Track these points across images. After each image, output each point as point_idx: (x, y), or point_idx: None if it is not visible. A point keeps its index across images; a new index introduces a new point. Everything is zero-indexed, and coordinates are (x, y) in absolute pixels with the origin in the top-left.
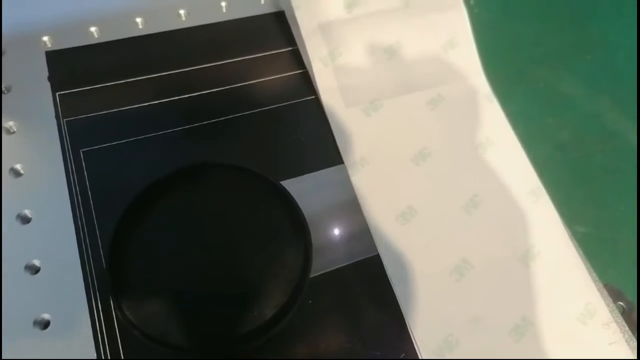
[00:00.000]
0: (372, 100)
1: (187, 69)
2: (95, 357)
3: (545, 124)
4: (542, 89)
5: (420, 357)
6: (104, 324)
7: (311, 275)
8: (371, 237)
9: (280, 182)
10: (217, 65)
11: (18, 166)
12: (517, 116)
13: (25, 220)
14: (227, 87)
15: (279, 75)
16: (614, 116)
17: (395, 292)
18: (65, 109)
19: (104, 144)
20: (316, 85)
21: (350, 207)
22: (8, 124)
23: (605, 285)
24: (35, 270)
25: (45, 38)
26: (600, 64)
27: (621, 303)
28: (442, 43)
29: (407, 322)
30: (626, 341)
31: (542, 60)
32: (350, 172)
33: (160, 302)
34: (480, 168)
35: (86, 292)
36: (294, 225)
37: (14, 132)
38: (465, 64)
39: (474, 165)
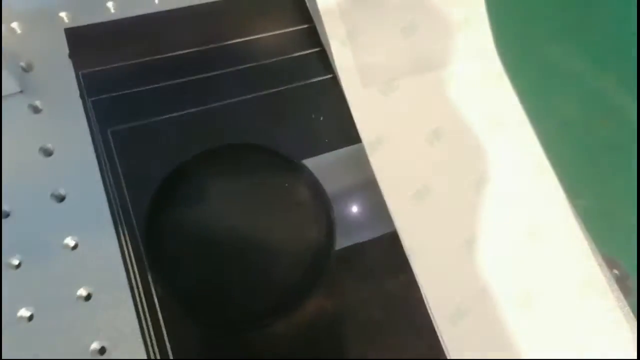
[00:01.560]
0: (389, 80)
1: (206, 47)
2: (136, 321)
3: (552, 100)
4: (550, 66)
5: (434, 322)
6: (144, 299)
7: (334, 250)
8: (389, 214)
9: (302, 161)
10: (235, 43)
11: (49, 145)
12: (526, 93)
13: (60, 198)
14: (246, 66)
15: (298, 53)
16: (618, 93)
17: (411, 264)
18: (89, 88)
19: (132, 123)
20: (334, 65)
21: (369, 185)
22: (34, 102)
23: (603, 256)
24: (73, 247)
25: (62, 14)
26: (608, 40)
27: (616, 271)
28: (457, 21)
29: (422, 292)
30: (620, 308)
31: (551, 37)
32: (368, 151)
33: (193, 278)
34: (490, 146)
35: (124, 264)
36: (317, 202)
37: (40, 110)
38: (478, 42)
39: (485, 145)
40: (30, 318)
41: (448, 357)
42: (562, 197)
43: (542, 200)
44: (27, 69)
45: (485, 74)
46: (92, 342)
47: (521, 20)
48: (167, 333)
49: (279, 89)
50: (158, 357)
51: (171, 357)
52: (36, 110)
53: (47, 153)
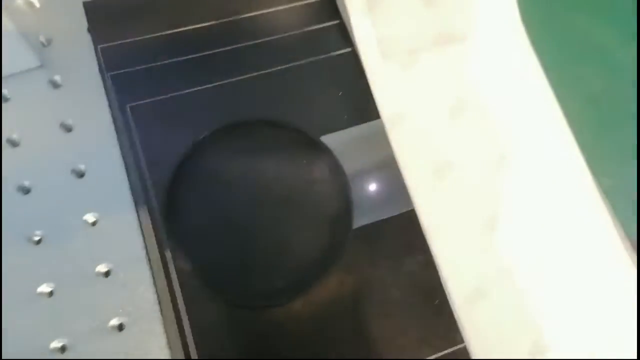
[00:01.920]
0: (410, 52)
1: (223, 20)
2: (155, 298)
3: (579, 74)
4: (577, 37)
5: (451, 303)
6: (163, 274)
7: (353, 228)
8: (407, 191)
9: (320, 138)
10: (253, 16)
11: (69, 121)
12: (551, 66)
13: (80, 174)
14: (264, 39)
15: (316, 26)
16: None
17: (429, 243)
18: (108, 62)
19: (150, 98)
20: (353, 37)
21: (388, 162)
22: (54, 77)
23: (629, 238)
24: (92, 223)
25: None
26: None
27: None
28: None
29: (440, 272)
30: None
31: (578, 7)
32: (387, 127)
33: (213, 251)
34: (514, 120)
35: (144, 239)
36: (335, 180)
37: (60, 85)
38: (503, 13)
39: (509, 119)
40: (51, 294)
41: (465, 339)
42: (587, 175)
43: (567, 178)
44: (46, 44)
45: (509, 47)
46: (111, 318)
47: None
48: (187, 310)
49: (298, 63)
50: (176, 334)
51: (189, 333)
52: (56, 85)
53: (67, 129)
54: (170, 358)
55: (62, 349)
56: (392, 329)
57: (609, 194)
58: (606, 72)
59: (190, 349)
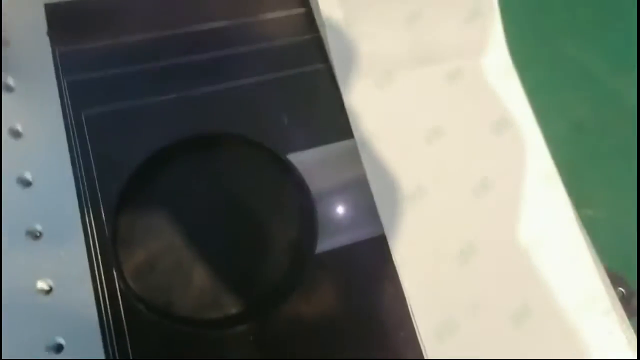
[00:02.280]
0: (387, 71)
1: (191, 29)
2: (97, 319)
3: (564, 99)
4: (563, 62)
5: (419, 337)
6: (107, 295)
7: (316, 252)
8: (378, 215)
9: (287, 155)
10: (223, 25)
11: (18, 126)
12: (535, 91)
13: (26, 183)
14: (234, 51)
15: (290, 39)
16: (635, 95)
17: (398, 272)
18: (66, 67)
19: (107, 107)
20: (329, 52)
21: (359, 183)
22: (7, 80)
23: (608, 271)
24: (36, 235)
25: None
26: (625, 38)
27: (621, 289)
28: (466, 12)
29: (408, 303)
30: (623, 331)
31: (566, 31)
32: (359, 147)
33: (164, 274)
34: (493, 149)
35: (89, 261)
36: (300, 200)
37: (12, 89)
38: (487, 35)
39: (488, 147)
40: None
41: None
42: (568, 206)
43: (547, 209)
44: (3, 45)
45: (492, 69)
46: (53, 339)
47: (534, 12)
48: (129, 333)
49: (268, 76)
50: None
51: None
52: (8, 88)
53: (16, 135)
54: None
55: None
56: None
57: (590, 226)
58: (593, 99)
59: None
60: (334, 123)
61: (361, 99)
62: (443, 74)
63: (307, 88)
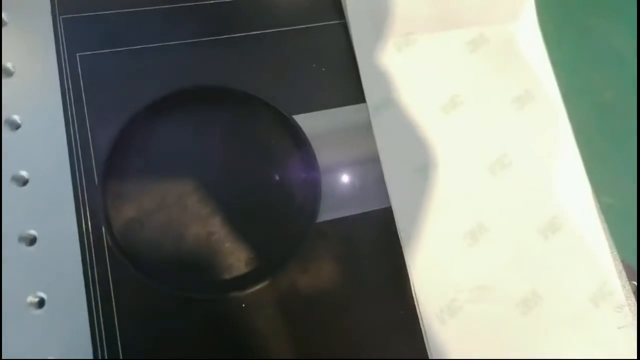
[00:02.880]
0: (406, 33)
1: None
2: (82, 279)
3: (590, 79)
4: (593, 40)
5: (419, 316)
6: (94, 250)
7: (317, 220)
8: (385, 187)
9: (294, 116)
10: None
11: (9, 64)
12: (562, 67)
13: (14, 126)
14: None
15: None
16: None
17: (403, 248)
18: (62, 4)
19: (104, 49)
20: (345, 8)
21: (367, 152)
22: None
23: (623, 263)
24: (23, 182)
25: None
26: None
27: (634, 282)
28: None
29: (411, 281)
30: (633, 325)
31: (596, 8)
32: (371, 113)
33: (154, 232)
34: (514, 125)
35: (76, 213)
36: (304, 165)
37: (5, 23)
38: (518, 2)
39: (508, 121)
40: None
41: (430, 358)
42: (588, 192)
43: (566, 193)
44: None
45: (520, 38)
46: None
47: None
48: (114, 291)
49: (279, 29)
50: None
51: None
52: (2, 23)
53: (8, 73)
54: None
55: None
56: (345, 339)
57: (607, 214)
58: (619, 80)
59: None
60: (346, 85)
61: (377, 61)
62: (466, 40)
63: (320, 45)
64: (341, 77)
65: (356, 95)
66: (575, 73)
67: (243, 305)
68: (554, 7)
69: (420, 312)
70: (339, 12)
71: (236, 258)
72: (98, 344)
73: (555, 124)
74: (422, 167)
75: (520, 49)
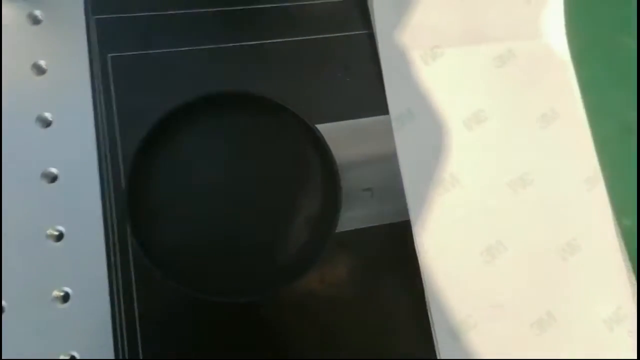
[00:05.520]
0: (434, 46)
1: None
2: (106, 276)
3: (616, 98)
4: (620, 59)
5: (433, 332)
6: (118, 248)
7: (337, 230)
8: (405, 200)
9: (317, 125)
10: None
11: (42, 62)
12: (588, 85)
13: (46, 123)
14: (272, 5)
15: (332, 0)
16: None
17: (419, 261)
18: (95, 4)
19: (135, 51)
20: (373, 18)
21: (389, 164)
22: (35, 12)
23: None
24: (52, 178)
25: None
26: None
27: None
28: None
29: (426, 295)
30: None
31: (627, 27)
32: (394, 125)
33: (177, 235)
34: (538, 143)
35: (102, 210)
36: (325, 176)
37: (40, 21)
38: (547, 18)
39: (532, 139)
40: None
41: None
42: (608, 213)
43: (586, 213)
44: None
45: (547, 57)
46: (60, 288)
47: (598, 3)
48: (137, 286)
49: (305, 37)
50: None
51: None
52: (35, 20)
53: (40, 71)
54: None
55: None
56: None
57: (627, 237)
58: None
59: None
60: (370, 96)
61: (402, 73)
62: (494, 55)
63: (344, 55)
64: (365, 88)
65: (380, 106)
66: (601, 92)
67: (261, 310)
68: (583, 24)
69: (434, 327)
70: (366, 22)
71: (256, 264)
72: (119, 341)
73: (579, 143)
74: (443, 182)
75: (548, 66)
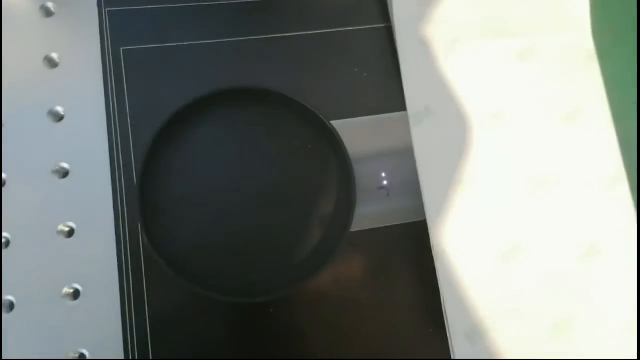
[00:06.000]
0: (454, 39)
1: None
2: (117, 274)
3: None
4: None
5: (448, 335)
6: (129, 245)
7: (351, 230)
8: (422, 199)
9: (332, 122)
10: None
11: (54, 55)
12: (614, 83)
13: (58, 117)
14: None
15: None
16: None
17: (435, 263)
18: None
19: (148, 44)
20: (391, 11)
21: (405, 162)
22: (47, 4)
23: None
24: (64, 174)
25: None
26: None
27: None
28: None
29: (442, 297)
30: None
31: None
32: (411, 122)
33: (188, 233)
34: (560, 141)
35: (114, 206)
36: (340, 174)
37: (52, 14)
38: (572, 12)
39: (554, 137)
40: (7, 244)
41: None
42: (632, 216)
43: (608, 216)
44: None
45: (572, 52)
46: (71, 285)
47: None
48: (147, 284)
49: (321, 31)
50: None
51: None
52: (48, 13)
53: (53, 64)
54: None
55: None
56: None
57: None
58: None
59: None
60: (387, 92)
61: (421, 67)
62: (516, 49)
63: (361, 49)
64: (382, 83)
65: (397, 102)
66: (626, 89)
67: (271, 310)
68: (609, 19)
69: (449, 330)
70: (384, 15)
71: (269, 264)
72: (129, 340)
73: (603, 142)
74: (461, 181)
75: (572, 62)
